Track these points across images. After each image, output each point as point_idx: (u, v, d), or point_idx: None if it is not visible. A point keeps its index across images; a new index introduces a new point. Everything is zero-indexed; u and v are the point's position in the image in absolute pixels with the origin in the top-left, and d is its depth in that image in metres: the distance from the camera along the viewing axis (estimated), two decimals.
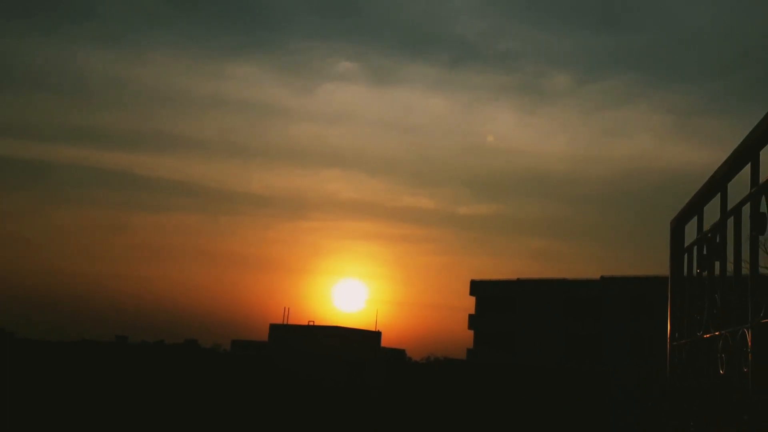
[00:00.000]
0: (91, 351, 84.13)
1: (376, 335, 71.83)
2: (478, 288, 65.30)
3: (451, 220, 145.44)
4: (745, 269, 2.73)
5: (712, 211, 3.77)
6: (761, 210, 2.62)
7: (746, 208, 2.82)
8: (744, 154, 2.88)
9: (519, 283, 63.89)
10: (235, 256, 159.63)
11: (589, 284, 60.07)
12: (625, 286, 57.45)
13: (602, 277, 59.79)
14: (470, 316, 65.11)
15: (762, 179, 2.69)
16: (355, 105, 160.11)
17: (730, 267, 3.11)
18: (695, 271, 3.77)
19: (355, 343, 67.77)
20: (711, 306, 3.28)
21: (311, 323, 68.48)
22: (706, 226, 3.72)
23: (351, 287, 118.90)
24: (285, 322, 69.48)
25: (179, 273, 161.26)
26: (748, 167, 2.93)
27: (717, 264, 3.37)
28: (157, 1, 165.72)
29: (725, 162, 3.10)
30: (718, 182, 3.30)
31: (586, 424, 53.98)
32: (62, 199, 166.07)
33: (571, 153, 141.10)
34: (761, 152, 2.76)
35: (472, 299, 65.56)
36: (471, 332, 65.05)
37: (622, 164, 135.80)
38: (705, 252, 3.62)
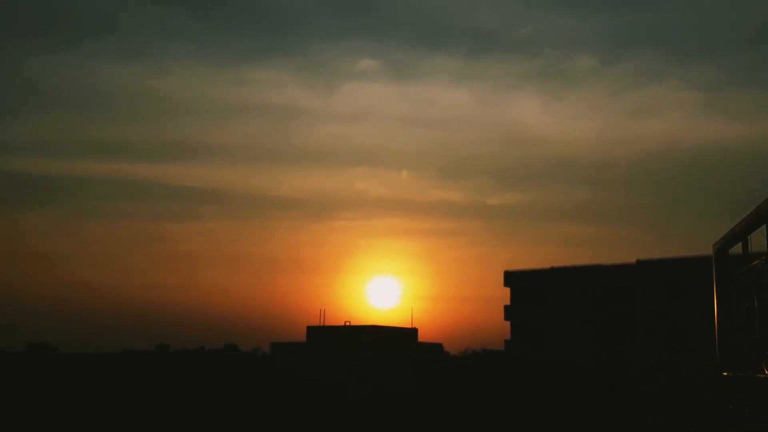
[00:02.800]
0: (134, 361, 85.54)
1: (412, 332, 71.80)
2: (512, 278, 64.90)
3: (480, 212, 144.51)
4: None
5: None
6: None
7: None
8: None
9: (552, 271, 63.34)
10: (268, 259, 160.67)
11: (624, 269, 59.27)
12: (661, 270, 56.56)
13: (638, 261, 58.93)
14: (506, 307, 64.76)
15: None
16: (378, 102, 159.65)
17: None
18: (743, 303, 3.71)
19: (392, 342, 67.85)
20: (764, 345, 3.23)
21: (347, 323, 68.76)
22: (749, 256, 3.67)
23: (385, 284, 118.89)
24: (322, 324, 69.88)
25: (214, 279, 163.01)
26: None
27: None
28: (175, 13, 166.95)
29: None
30: (765, 215, 3.25)
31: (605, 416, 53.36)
32: (95, 213, 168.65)
33: (598, 136, 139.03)
34: None
35: (507, 290, 65.19)
36: (507, 323, 64.71)
37: (652, 144, 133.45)
38: (753, 284, 3.56)
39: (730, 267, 3.23)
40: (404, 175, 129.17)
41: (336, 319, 73.27)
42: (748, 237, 2.89)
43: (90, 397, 65.20)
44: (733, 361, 3.10)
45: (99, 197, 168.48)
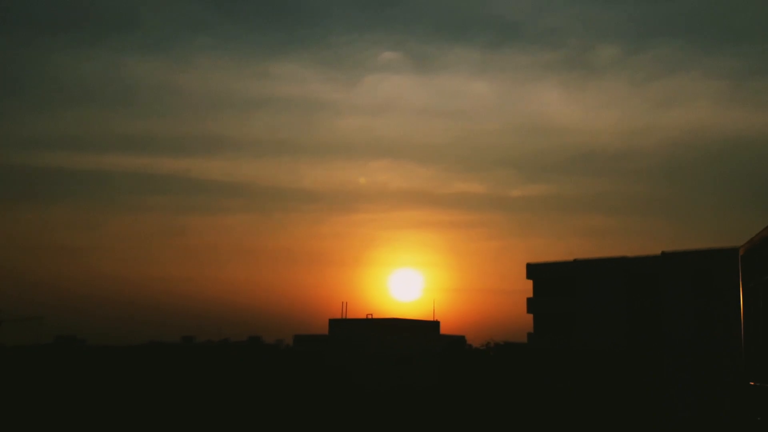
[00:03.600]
0: (160, 353, 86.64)
1: (434, 325, 71.79)
2: (534, 271, 64.49)
3: (503, 204, 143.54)
4: None
5: None
6: None
7: None
8: None
9: (576, 263, 62.80)
10: (290, 252, 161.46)
11: (649, 261, 58.50)
12: (687, 261, 55.80)
13: (663, 253, 58.18)
14: (528, 299, 64.43)
15: None
16: (400, 94, 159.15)
17: None
18: None
19: (414, 335, 67.91)
20: None
21: (369, 316, 68.96)
22: None
23: (407, 277, 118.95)
24: (344, 317, 70.16)
25: (238, 272, 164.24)
26: None
27: None
28: (198, 7, 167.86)
29: None
30: None
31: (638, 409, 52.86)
32: (119, 207, 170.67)
33: (623, 127, 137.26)
34: None
35: (530, 282, 64.83)
36: (530, 316, 64.38)
37: (678, 134, 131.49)
38: None
39: (756, 272, 3.14)
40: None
41: (358, 311, 73.62)
42: None
43: (117, 388, 66.21)
44: (760, 369, 3.02)
45: (123, 191, 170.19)
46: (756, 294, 3.14)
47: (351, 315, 70.54)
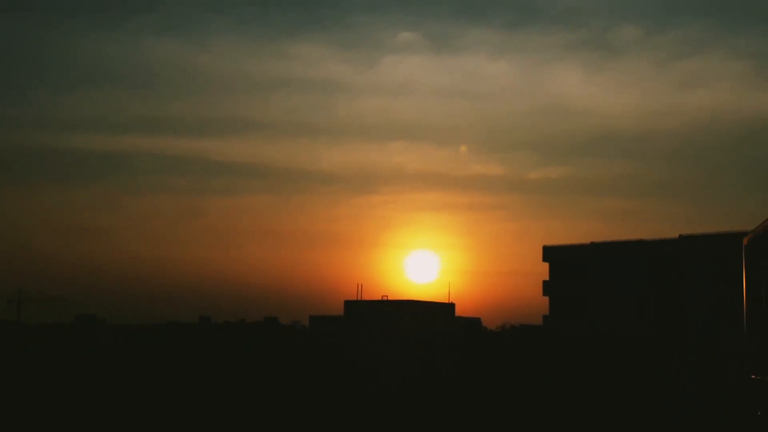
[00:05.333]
0: (178, 332, 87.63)
1: (449, 307, 71.78)
2: (551, 253, 64.14)
3: (520, 186, 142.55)
4: None
5: None
6: None
7: None
8: None
9: (593, 246, 62.34)
10: (308, 233, 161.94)
11: (667, 244, 57.92)
12: (706, 245, 55.13)
13: (681, 236, 57.57)
14: (544, 282, 64.16)
15: None
16: (418, 75, 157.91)
17: None
18: None
19: (429, 317, 67.97)
20: None
21: (384, 298, 69.11)
22: None
23: (423, 259, 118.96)
24: (359, 298, 70.38)
25: (255, 253, 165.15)
26: None
27: None
28: None
29: None
30: None
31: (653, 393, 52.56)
32: (139, 188, 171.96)
33: (643, 108, 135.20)
34: None
35: (546, 265, 64.55)
36: (546, 298, 64.16)
37: (699, 116, 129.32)
38: None
39: (760, 262, 3.03)
40: (463, 149, 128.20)
41: (373, 293, 73.83)
42: None
43: (135, 368, 67.11)
44: (762, 361, 2.92)
45: (143, 172, 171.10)
46: (759, 284, 3.05)
47: (366, 296, 70.81)
